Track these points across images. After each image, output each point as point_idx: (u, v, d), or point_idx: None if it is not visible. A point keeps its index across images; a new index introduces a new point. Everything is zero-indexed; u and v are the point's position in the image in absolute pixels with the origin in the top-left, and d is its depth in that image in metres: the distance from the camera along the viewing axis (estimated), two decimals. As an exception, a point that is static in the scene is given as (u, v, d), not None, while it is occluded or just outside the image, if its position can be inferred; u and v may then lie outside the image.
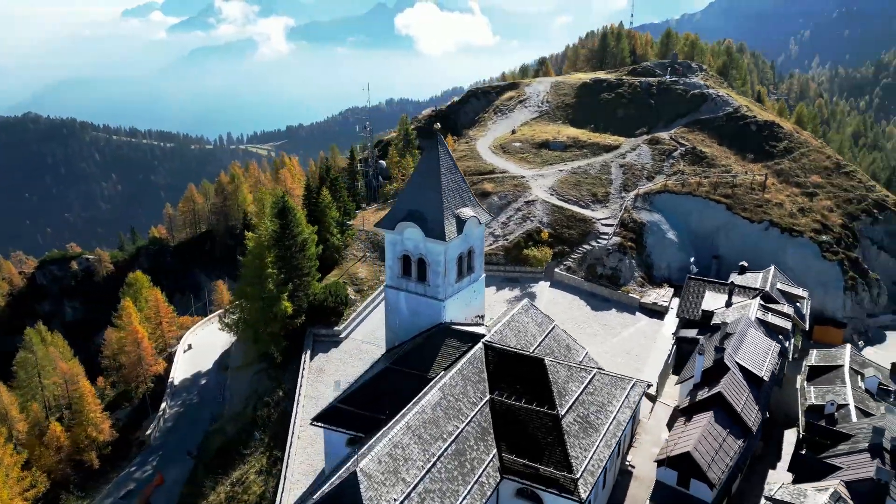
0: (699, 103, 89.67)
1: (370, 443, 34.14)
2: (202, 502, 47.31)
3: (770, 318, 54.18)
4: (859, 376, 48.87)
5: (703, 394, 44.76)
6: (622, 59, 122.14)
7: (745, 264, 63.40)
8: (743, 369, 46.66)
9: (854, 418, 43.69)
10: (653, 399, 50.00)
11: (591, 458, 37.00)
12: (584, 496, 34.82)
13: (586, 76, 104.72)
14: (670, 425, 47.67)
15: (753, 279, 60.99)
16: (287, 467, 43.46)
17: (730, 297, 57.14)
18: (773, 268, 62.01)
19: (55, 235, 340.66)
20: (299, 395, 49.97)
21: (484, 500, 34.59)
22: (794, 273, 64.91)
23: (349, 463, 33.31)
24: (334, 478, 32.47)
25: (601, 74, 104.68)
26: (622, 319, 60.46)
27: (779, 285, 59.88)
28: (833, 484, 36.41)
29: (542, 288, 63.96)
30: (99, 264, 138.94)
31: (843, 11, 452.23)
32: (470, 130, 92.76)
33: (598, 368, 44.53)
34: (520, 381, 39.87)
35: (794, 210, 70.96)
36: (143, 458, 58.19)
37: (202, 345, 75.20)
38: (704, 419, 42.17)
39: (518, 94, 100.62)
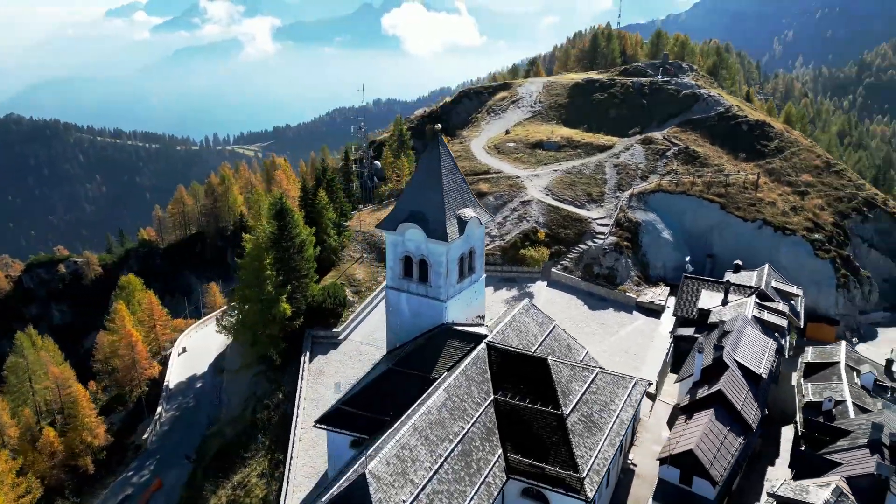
0: (691, 103, 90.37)
1: (377, 444, 34.09)
2: (203, 506, 47.08)
3: (766, 315, 54.71)
4: (855, 373, 49.42)
5: (703, 392, 45.07)
6: (613, 59, 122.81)
7: (740, 263, 63.89)
8: (741, 367, 47.04)
9: (852, 414, 44.13)
10: (652, 397, 50.31)
11: (596, 457, 37.19)
12: (590, 495, 34.99)
13: (578, 76, 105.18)
14: (671, 423, 48.01)
15: (748, 277, 61.51)
16: (290, 470, 43.24)
17: (726, 296, 57.55)
18: (767, 266, 62.55)
19: (39, 238, 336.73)
20: (300, 397, 49.78)
21: (491, 501, 34.65)
22: (787, 271, 65.50)
23: (356, 465, 33.26)
24: (342, 480, 32.38)
25: (593, 75, 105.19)
26: (619, 318, 60.78)
27: (773, 283, 60.43)
28: (834, 480, 36.77)
29: (539, 288, 64.17)
30: (87, 267, 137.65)
31: (825, 12, 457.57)
32: (463, 131, 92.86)
33: (600, 368, 44.72)
34: (523, 381, 39.96)
35: (786, 209, 71.69)
36: (140, 463, 57.67)
37: (197, 348, 74.69)
38: (705, 417, 42.47)
39: (511, 95, 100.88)
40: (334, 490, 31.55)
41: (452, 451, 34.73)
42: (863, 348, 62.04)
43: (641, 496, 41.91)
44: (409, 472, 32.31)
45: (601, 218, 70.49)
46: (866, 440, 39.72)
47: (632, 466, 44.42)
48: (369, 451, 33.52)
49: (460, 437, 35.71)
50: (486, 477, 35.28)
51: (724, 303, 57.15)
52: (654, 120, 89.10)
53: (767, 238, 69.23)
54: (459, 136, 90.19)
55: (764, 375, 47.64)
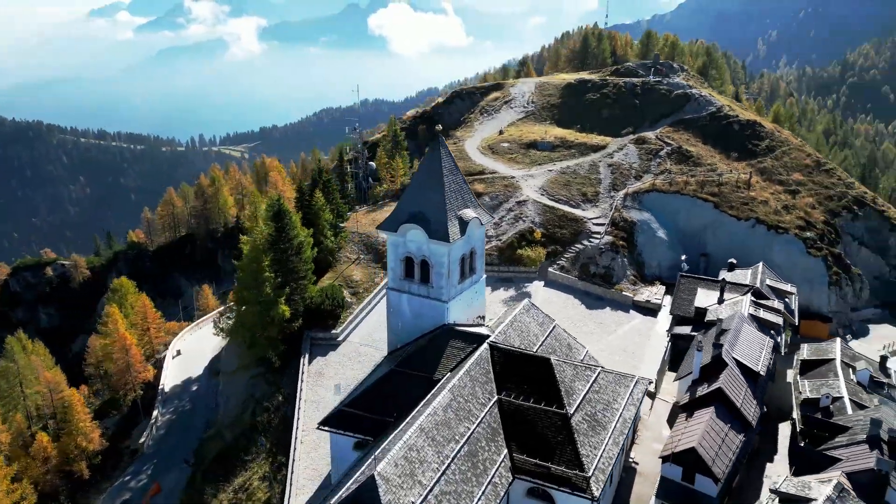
0: (683, 103, 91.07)
1: (383, 446, 34.05)
2: (203, 510, 46.73)
3: (762, 313, 55.27)
4: (851, 369, 50.05)
5: (702, 390, 45.38)
6: (603, 59, 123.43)
7: (734, 261, 64.43)
8: (740, 365, 47.47)
9: (849, 411, 44.67)
10: (652, 396, 50.61)
11: (601, 455, 37.39)
12: (596, 494, 35.19)
13: (570, 76, 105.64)
14: (671, 421, 48.36)
15: (743, 276, 62.09)
16: (292, 472, 43.05)
17: (722, 294, 58.08)
18: (761, 264, 63.19)
19: (22, 240, 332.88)
20: (300, 399, 49.56)
21: (498, 501, 34.72)
22: (780, 269, 66.18)
23: (363, 467, 33.15)
24: (350, 482, 32.30)
25: (585, 75, 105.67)
26: (617, 318, 61.13)
27: (768, 281, 61.06)
28: (835, 475, 37.21)
29: (536, 287, 64.38)
30: (75, 270, 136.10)
31: (808, 12, 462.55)
32: (457, 131, 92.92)
33: (602, 367, 44.91)
34: (527, 381, 40.08)
35: (778, 207, 72.45)
36: (137, 467, 57.11)
37: (191, 350, 74.06)
38: (706, 414, 42.78)
39: (503, 95, 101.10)
40: (342, 492, 31.47)
41: (459, 451, 34.78)
42: (855, 345, 62.80)
43: (644, 494, 42.17)
44: (417, 473, 32.30)
45: (596, 217, 70.85)
46: (865, 436, 40.12)
47: (633, 465, 44.69)
48: (376, 453, 33.44)
49: (466, 437, 35.75)
50: (493, 477, 35.36)
51: (721, 301, 57.66)
52: (646, 120, 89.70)
53: (760, 236, 69.94)
54: (453, 137, 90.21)
55: (762, 373, 48.11)
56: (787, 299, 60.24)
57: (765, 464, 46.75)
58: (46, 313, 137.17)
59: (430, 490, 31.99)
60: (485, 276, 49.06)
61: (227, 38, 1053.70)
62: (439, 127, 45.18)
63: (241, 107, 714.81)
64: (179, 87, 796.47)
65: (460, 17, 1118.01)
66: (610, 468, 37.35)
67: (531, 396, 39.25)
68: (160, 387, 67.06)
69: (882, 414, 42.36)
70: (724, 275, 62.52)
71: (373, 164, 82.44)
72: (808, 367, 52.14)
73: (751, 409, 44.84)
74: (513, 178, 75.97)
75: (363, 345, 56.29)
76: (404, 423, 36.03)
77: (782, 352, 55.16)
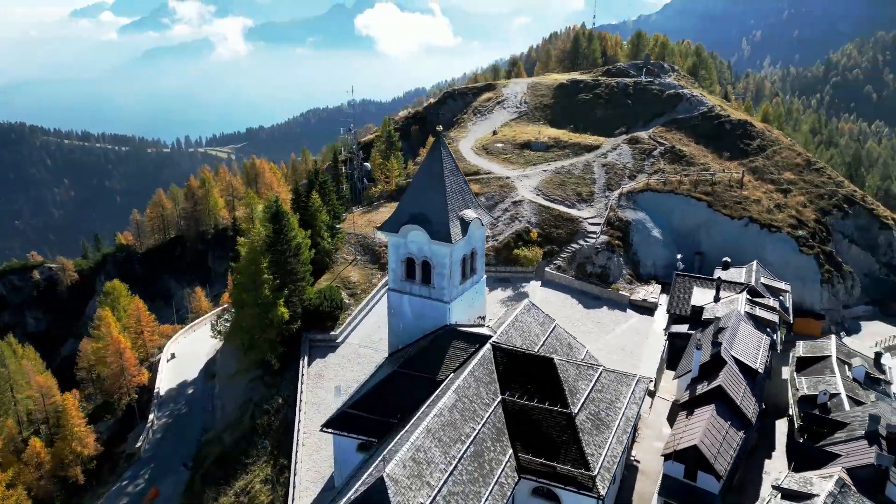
0: (675, 103, 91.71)
1: (390, 447, 33.96)
2: (204, 513, 46.41)
3: (758, 311, 55.77)
4: (846, 366, 50.60)
5: (702, 388, 45.73)
6: (594, 59, 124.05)
7: (729, 260, 65.00)
8: (738, 362, 47.89)
9: (847, 407, 45.15)
10: (651, 394, 50.90)
11: (606, 454, 37.55)
12: (602, 492, 35.34)
13: (562, 77, 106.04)
14: (671, 419, 48.70)
15: (737, 274, 62.65)
16: (295, 475, 42.85)
17: (717, 293, 58.57)
18: (755, 263, 63.81)
19: (5, 244, 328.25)
20: (300, 401, 49.34)
21: (504, 501, 34.77)
22: (773, 267, 66.83)
23: (371, 468, 33.06)
24: (358, 483, 32.21)
25: (577, 75, 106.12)
26: (614, 317, 61.44)
27: (762, 279, 61.65)
28: (835, 471, 37.58)
29: (533, 287, 64.56)
30: (62, 273, 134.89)
31: (792, 12, 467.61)
32: (450, 131, 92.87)
33: (603, 366, 45.08)
34: (530, 381, 40.16)
35: (770, 206, 73.15)
36: (134, 472, 56.59)
37: (185, 353, 73.62)
38: (707, 412, 43.09)
39: (496, 96, 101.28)
40: (351, 494, 31.38)
41: (465, 452, 34.80)
42: (848, 342, 63.36)
43: (646, 492, 42.41)
44: (424, 474, 32.28)
45: (592, 217, 71.18)
46: (864, 432, 40.60)
47: (635, 463, 44.92)
48: (383, 454, 33.33)
49: (472, 438, 35.78)
50: (499, 477, 35.40)
51: (717, 299, 58.14)
52: (639, 120, 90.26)
53: (754, 235, 70.59)
54: (447, 137, 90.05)
55: (760, 370, 48.57)
56: (781, 297, 60.84)
57: (763, 460, 47.12)
58: (34, 317, 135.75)
59: (439, 491, 31.98)
60: (485, 276, 49.04)
61: (213, 38, 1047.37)
62: (440, 128, 45.14)
63: (227, 108, 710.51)
64: (165, 87, 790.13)
65: (447, 17, 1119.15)
66: (615, 467, 37.54)
67: (535, 396, 39.33)
68: (155, 390, 66.55)
69: (879, 410, 42.85)
70: (719, 273, 63.06)
71: (367, 164, 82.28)
72: (804, 365, 52.60)
73: (750, 407, 45.24)
74: (508, 178, 76.13)
75: (362, 346, 56.14)
76: (410, 423, 35.96)
77: (778, 349, 55.73)
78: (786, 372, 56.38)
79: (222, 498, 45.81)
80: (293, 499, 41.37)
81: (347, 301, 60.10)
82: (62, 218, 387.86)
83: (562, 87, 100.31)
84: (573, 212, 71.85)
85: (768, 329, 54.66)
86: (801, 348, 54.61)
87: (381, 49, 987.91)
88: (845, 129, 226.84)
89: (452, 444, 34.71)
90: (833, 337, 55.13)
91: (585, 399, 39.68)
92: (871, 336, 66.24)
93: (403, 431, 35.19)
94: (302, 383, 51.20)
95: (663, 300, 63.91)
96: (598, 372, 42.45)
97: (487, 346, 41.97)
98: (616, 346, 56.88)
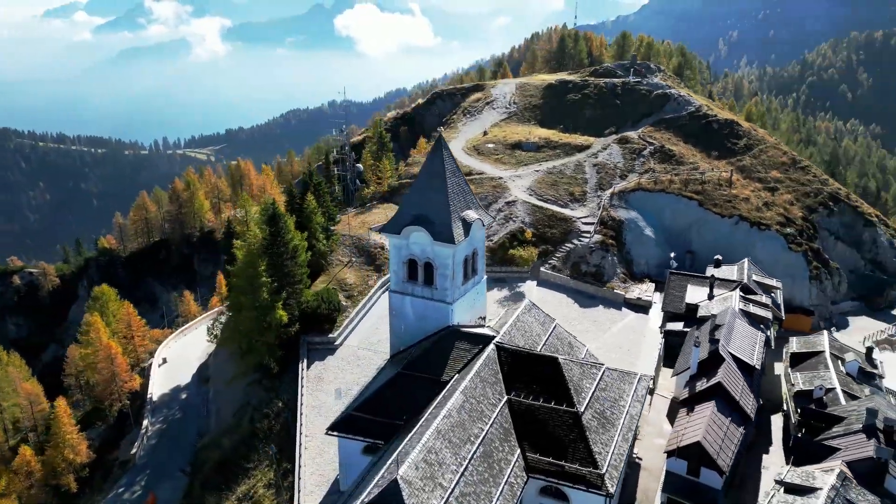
0: (663, 103, 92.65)
1: (400, 448, 33.91)
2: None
3: (751, 308, 56.55)
4: (840, 361, 51.53)
5: (701, 384, 46.32)
6: (580, 60, 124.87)
7: (720, 258, 65.88)
8: (736, 359, 48.56)
9: (842, 401, 45.92)
10: (650, 392, 51.31)
11: (613, 452, 37.84)
12: (611, 490, 35.64)
13: (550, 77, 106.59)
14: (671, 417, 49.20)
15: (730, 272, 63.48)
16: (300, 479, 42.59)
17: (711, 290, 59.33)
18: (746, 260, 64.66)
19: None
20: (301, 404, 49.04)
21: (515, 501, 34.89)
22: (763, 265, 67.79)
23: (382, 471, 32.95)
24: (370, 486, 32.05)
25: (564, 76, 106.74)
26: (610, 315, 61.91)
27: (754, 277, 62.51)
28: (836, 465, 38.28)
29: (529, 287, 64.82)
30: (43, 278, 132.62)
31: (767, 13, 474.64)
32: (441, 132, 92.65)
33: (605, 365, 45.39)
34: (535, 381, 40.32)
35: (759, 205, 74.20)
36: (129, 479, 55.73)
37: (177, 358, 72.75)
38: (708, 409, 43.62)
39: (484, 96, 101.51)
40: (364, 497, 31.22)
41: (475, 452, 34.84)
42: (836, 337, 64.61)
43: (650, 489, 42.81)
44: (437, 475, 32.27)
45: (585, 217, 71.66)
46: (861, 425, 41.27)
47: (637, 460, 45.30)
48: (394, 456, 33.28)
49: (481, 438, 35.85)
50: (508, 477, 35.51)
51: (710, 297, 58.86)
52: (628, 120, 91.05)
53: (744, 233, 71.56)
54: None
55: (757, 366, 49.32)
56: (773, 294, 61.77)
57: (761, 455, 47.79)
58: (14, 323, 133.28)
59: (451, 492, 32.00)
60: (485, 276, 49.15)
61: (190, 38, 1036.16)
62: (442, 130, 45.11)
63: (205, 109, 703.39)
64: (141, 88, 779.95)
65: (427, 17, 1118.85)
66: (622, 464, 37.86)
67: (540, 396, 39.51)
68: (148, 396, 65.67)
69: (875, 403, 43.67)
70: (712, 271, 63.85)
71: (360, 165, 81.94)
72: (798, 360, 53.40)
73: (749, 402, 45.89)
74: (500, 178, 76.36)
75: (361, 348, 55.95)
76: (418, 425, 35.95)
77: (772, 345, 56.57)
78: (778, 367, 57.29)
79: (225, 503, 45.34)
80: (298, 502, 41.09)
81: (345, 303, 59.83)
82: (38, 222, 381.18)
83: (550, 87, 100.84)
84: (566, 211, 72.27)
85: (762, 326, 55.48)
86: (794, 344, 55.47)
87: (361, 49, 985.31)
88: (822, 128, 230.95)
89: (462, 444, 34.74)
90: (825, 332, 56.02)
91: (590, 398, 39.94)
92: (859, 331, 67.52)
93: (412, 433, 35.16)
94: (302, 386, 50.90)
95: (657, 298, 64.55)
96: (601, 370, 42.76)
97: (491, 346, 42.07)
98: (614, 345, 57.33)
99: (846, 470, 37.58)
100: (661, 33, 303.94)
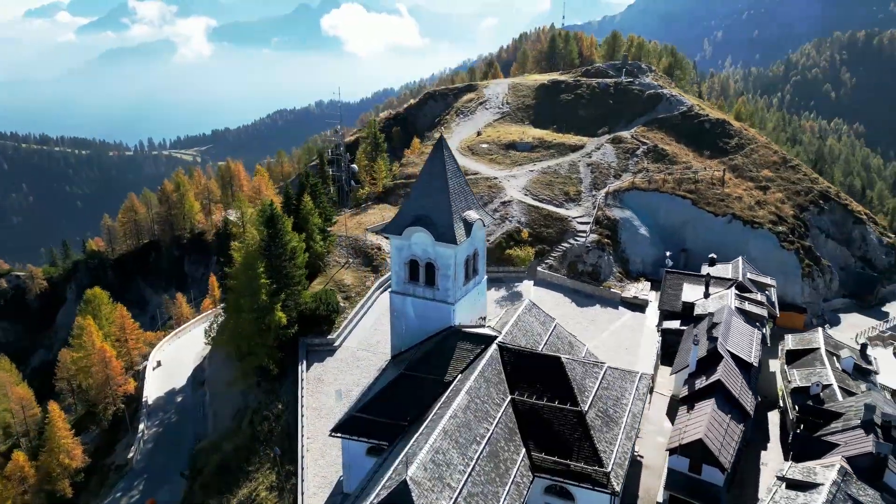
0: (655, 103, 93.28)
1: (406, 449, 33.87)
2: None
3: (747, 306, 57.02)
4: (835, 358, 52.10)
5: (700, 382, 46.66)
6: (571, 60, 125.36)
7: (715, 256, 66.43)
8: (734, 356, 48.97)
9: (839, 397, 46.45)
10: (650, 390, 51.61)
11: (617, 450, 38.05)
12: (617, 488, 35.85)
13: (543, 77, 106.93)
14: (670, 414, 49.54)
15: (724, 270, 64.00)
16: (303, 481, 42.42)
17: (707, 289, 59.78)
18: (740, 259, 65.24)
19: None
20: (302, 406, 48.85)
21: (521, 500, 34.99)
22: (756, 263, 68.43)
23: (390, 472, 32.91)
24: (379, 488, 32.00)
25: (557, 76, 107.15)
26: (607, 314, 62.24)
27: (748, 275, 63.06)
28: (835, 460, 38.71)
29: (527, 287, 65.01)
30: (31, 281, 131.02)
31: (751, 13, 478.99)
32: (434, 132, 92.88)
33: (606, 364, 45.61)
34: (538, 381, 40.41)
35: (752, 203, 74.91)
36: (127, 483, 55.23)
37: (172, 361, 72.21)
38: (708, 406, 43.94)
39: (477, 96, 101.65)
40: (373, 498, 31.18)
41: (481, 452, 34.90)
42: (830, 334, 65.41)
43: (651, 487, 43.05)
44: (445, 476, 32.29)
45: (581, 216, 71.97)
46: (859, 421, 41.77)
47: (639, 458, 45.54)
48: (402, 457, 33.25)
49: (487, 438, 35.91)
50: (515, 477, 35.60)
51: (706, 295, 59.29)
52: (621, 120, 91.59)
53: (737, 232, 72.22)
54: (430, 138, 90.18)
55: (755, 364, 49.78)
56: (767, 292, 62.32)
57: (759, 451, 48.23)
58: (1, 327, 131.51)
59: (459, 492, 32.03)
60: (486, 277, 49.21)
61: (175, 38, 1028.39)
62: (442, 130, 45.13)
63: (191, 109, 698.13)
64: (126, 89, 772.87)
65: (414, 17, 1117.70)
66: (627, 462, 38.08)
67: (544, 395, 39.62)
68: (144, 399, 65.12)
69: (872, 399, 44.23)
70: (707, 269, 64.36)
71: (354, 166, 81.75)
72: (794, 357, 53.94)
73: (748, 400, 46.29)
74: (495, 178, 76.51)
75: (360, 349, 55.83)
76: (423, 426, 35.93)
77: (768, 343, 57.12)
78: (773, 364, 57.84)
79: (226, 506, 45.08)
80: (302, 505, 40.96)
81: (343, 304, 59.66)
82: (21, 225, 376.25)
83: (543, 87, 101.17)
84: (562, 211, 72.55)
85: (757, 323, 55.99)
86: (789, 341, 56.00)
87: (349, 50, 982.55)
88: (806, 127, 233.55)
89: (469, 445, 34.79)
90: (820, 329, 56.63)
91: (594, 397, 40.14)
92: (851, 328, 68.36)
93: (418, 434, 35.15)
94: (302, 388, 50.71)
95: (653, 297, 64.95)
96: (603, 369, 42.98)
97: (494, 346, 42.13)
98: (612, 344, 57.63)
99: (846, 465, 38.03)
100: (646, 33, 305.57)
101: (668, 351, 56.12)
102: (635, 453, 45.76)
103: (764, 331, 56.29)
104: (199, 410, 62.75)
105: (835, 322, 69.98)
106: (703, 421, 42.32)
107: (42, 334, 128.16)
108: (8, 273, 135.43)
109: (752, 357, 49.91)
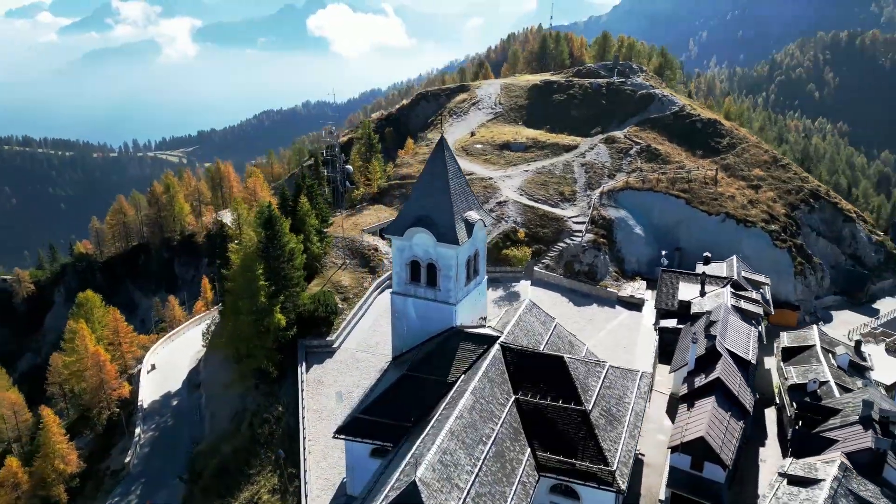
0: (647, 103, 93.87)
1: (413, 450, 33.86)
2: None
3: (743, 304, 57.61)
4: (831, 354, 52.72)
5: (699, 380, 47.04)
6: (561, 61, 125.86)
7: (709, 255, 67.00)
8: (732, 354, 49.43)
9: (836, 394, 47.03)
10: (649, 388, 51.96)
11: (622, 449, 38.26)
12: (623, 487, 36.08)
13: (535, 78, 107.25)
14: (670, 413, 49.89)
15: (719, 268, 64.62)
16: (306, 483, 42.25)
17: (703, 287, 60.26)
18: (734, 257, 65.90)
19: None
20: (303, 408, 48.64)
21: (528, 500, 35.09)
22: (749, 261, 69.13)
23: (398, 473, 32.85)
24: (387, 489, 31.95)
25: (549, 76, 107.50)
26: (604, 314, 62.56)
27: (743, 273, 63.70)
28: (836, 456, 39.19)
29: (524, 287, 65.20)
30: (18, 285, 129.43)
31: (735, 14, 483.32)
32: (427, 133, 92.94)
33: (608, 363, 45.82)
34: (542, 380, 40.56)
35: (744, 202, 75.59)
36: (124, 488, 54.65)
37: (166, 364, 71.53)
38: (708, 404, 44.30)
39: (470, 97, 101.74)
40: (382, 500, 31.13)
41: (487, 453, 34.97)
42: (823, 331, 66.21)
43: (653, 485, 43.32)
44: (453, 477, 32.32)
45: (576, 216, 72.28)
46: (857, 417, 42.30)
47: (640, 456, 45.78)
48: (409, 458, 33.24)
49: (492, 438, 35.99)
50: (521, 476, 35.70)
51: (702, 294, 59.80)
52: (613, 120, 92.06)
53: (731, 230, 72.85)
54: (424, 139, 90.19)
55: (753, 361, 50.29)
56: (761, 290, 62.96)
57: (757, 448, 48.67)
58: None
59: (468, 493, 32.07)
60: (486, 277, 49.29)
61: (160, 39, 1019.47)
62: (443, 131, 45.11)
63: (176, 110, 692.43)
64: (109, 90, 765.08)
65: (400, 17, 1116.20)
66: (631, 461, 38.29)
67: (548, 395, 39.77)
68: (139, 403, 64.50)
69: (870, 395, 44.79)
70: (702, 268, 64.91)
71: (349, 167, 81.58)
72: (789, 354, 54.52)
73: (747, 397, 46.75)
74: (491, 179, 76.64)
75: (359, 351, 55.69)
76: (429, 426, 35.92)
77: (764, 340, 57.69)
78: (768, 362, 58.45)
79: (227, 510, 44.79)
80: (306, 508, 40.79)
81: (341, 306, 59.48)
82: (4, 228, 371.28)
83: (535, 88, 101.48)
84: (557, 211, 72.82)
85: (753, 321, 56.56)
86: (785, 338, 56.62)
87: (336, 50, 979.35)
88: (791, 127, 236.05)
89: (475, 445, 34.84)
90: (815, 327, 57.31)
91: (597, 396, 40.34)
92: (843, 325, 69.16)
93: (424, 435, 35.14)
94: (302, 390, 50.50)
95: (649, 296, 65.39)
96: (605, 368, 43.21)
97: (496, 346, 42.22)
98: (610, 343, 57.92)
99: (846, 461, 38.49)
100: (632, 33, 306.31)
101: (666, 349, 56.54)
102: (636, 451, 46.06)
103: (760, 328, 56.88)
104: (196, 413, 62.25)
105: (827, 319, 70.80)
106: (704, 419, 42.68)
107: (30, 338, 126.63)
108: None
109: (750, 355, 50.42)
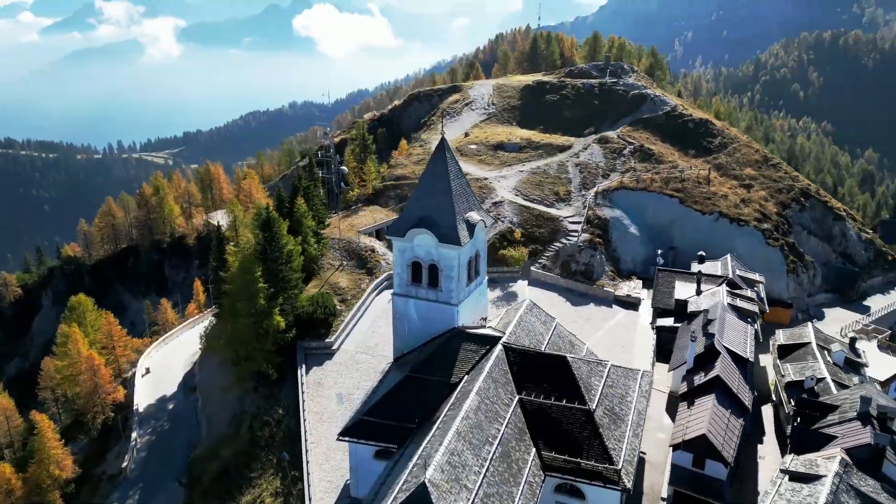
0: (639, 103, 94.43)
1: (420, 451, 33.80)
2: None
3: (739, 302, 58.13)
4: (826, 351, 53.32)
5: (699, 378, 47.41)
6: (553, 61, 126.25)
7: (704, 254, 67.52)
8: (730, 352, 49.88)
9: (833, 391, 47.54)
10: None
11: (626, 447, 38.45)
12: (628, 485, 36.26)
13: (528, 78, 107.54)
14: (669, 411, 50.24)
15: (713, 267, 65.15)
16: (309, 486, 42.07)
17: (699, 286, 60.78)
18: (729, 256, 66.47)
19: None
20: (304, 411, 48.43)
21: (535, 500, 35.18)
22: (743, 260, 69.76)
23: (406, 474, 32.78)
24: (396, 490, 31.88)
25: (541, 77, 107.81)
26: (602, 313, 62.84)
27: (738, 272, 64.25)
28: (835, 452, 39.63)
29: (521, 287, 65.34)
30: (5, 288, 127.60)
31: (720, 14, 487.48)
32: (421, 133, 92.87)
33: (609, 362, 46.03)
34: (545, 380, 40.65)
35: (737, 201, 76.28)
36: (122, 493, 54.10)
37: (161, 367, 70.89)
38: (709, 402, 44.67)
39: (463, 97, 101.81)
40: (391, 502, 31.06)
41: (494, 453, 35.01)
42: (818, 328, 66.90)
43: (655, 483, 43.60)
44: (461, 477, 32.33)
45: (572, 216, 72.56)
46: (856, 413, 42.78)
47: (642, 454, 46.03)
48: (416, 460, 33.19)
49: (498, 439, 36.04)
50: (527, 476, 35.78)
51: (698, 292, 60.30)
52: (606, 120, 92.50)
53: (724, 229, 73.49)
54: (418, 140, 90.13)
55: (750, 359, 50.76)
56: (756, 288, 63.56)
57: (756, 445, 49.13)
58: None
59: (476, 494, 32.09)
60: (487, 277, 49.35)
61: (143, 39, 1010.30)
62: (444, 131, 45.14)
63: (159, 110, 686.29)
64: (93, 91, 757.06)
65: (386, 17, 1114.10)
66: (635, 459, 38.50)
67: (551, 394, 39.88)
68: (134, 407, 63.87)
69: (867, 391, 45.33)
70: (697, 267, 65.42)
71: (344, 168, 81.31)
72: (785, 352, 55.06)
73: (745, 394, 47.19)
74: (486, 179, 76.76)
75: (359, 352, 55.54)
76: (435, 427, 35.91)
77: (760, 338, 58.24)
78: (764, 359, 59.00)
79: (229, 514, 44.50)
80: (310, 510, 40.62)
81: (339, 307, 59.29)
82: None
83: (528, 88, 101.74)
84: (553, 211, 73.07)
85: (749, 319, 57.09)
86: (781, 336, 57.15)
87: (322, 50, 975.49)
88: (777, 126, 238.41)
89: (482, 446, 34.88)
90: (810, 324, 57.94)
91: (600, 395, 40.52)
92: (835, 322, 69.99)
93: (430, 436, 35.10)
94: (303, 393, 50.28)
95: (645, 295, 65.78)
96: (607, 368, 43.40)
97: (499, 346, 42.28)
98: (607, 342, 58.18)
99: (846, 457, 38.93)
100: (619, 34, 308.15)
101: (663, 348, 56.92)
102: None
103: (755, 326, 57.43)
104: (192, 417, 61.73)
105: (819, 317, 71.62)
106: (705, 416, 43.03)
107: (18, 342, 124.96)
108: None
109: (748, 352, 50.92)
